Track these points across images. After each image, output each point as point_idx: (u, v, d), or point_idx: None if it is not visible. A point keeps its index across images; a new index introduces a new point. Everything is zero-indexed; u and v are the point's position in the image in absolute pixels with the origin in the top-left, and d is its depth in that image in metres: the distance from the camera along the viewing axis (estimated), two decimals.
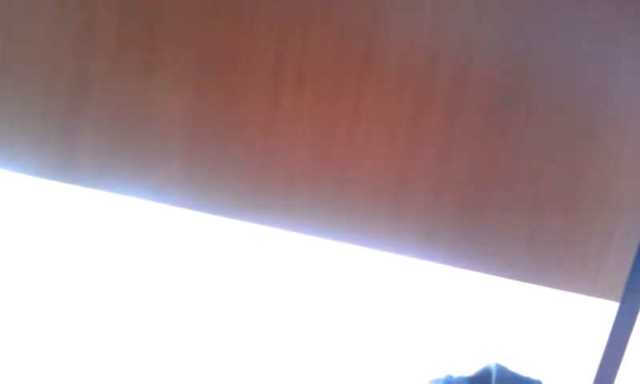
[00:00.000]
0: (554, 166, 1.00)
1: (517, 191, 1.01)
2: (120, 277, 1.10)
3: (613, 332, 1.06)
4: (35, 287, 1.10)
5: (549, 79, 0.96)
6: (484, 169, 1.00)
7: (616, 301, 1.05)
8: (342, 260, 1.08)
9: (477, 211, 1.01)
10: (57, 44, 0.98)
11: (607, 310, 1.08)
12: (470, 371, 0.92)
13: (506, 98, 0.97)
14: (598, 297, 1.05)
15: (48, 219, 1.08)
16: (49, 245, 1.08)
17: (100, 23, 0.97)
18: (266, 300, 1.10)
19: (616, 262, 1.03)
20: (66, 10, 0.97)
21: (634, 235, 1.03)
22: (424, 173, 1.00)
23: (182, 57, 0.97)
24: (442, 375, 0.92)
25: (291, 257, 1.08)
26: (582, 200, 1.01)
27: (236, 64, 0.97)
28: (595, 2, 0.94)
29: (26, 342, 1.09)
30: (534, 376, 0.91)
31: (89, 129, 1.00)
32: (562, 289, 1.05)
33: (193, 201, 1.02)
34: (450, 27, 0.94)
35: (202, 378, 1.11)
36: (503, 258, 1.03)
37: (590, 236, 1.02)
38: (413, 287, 1.09)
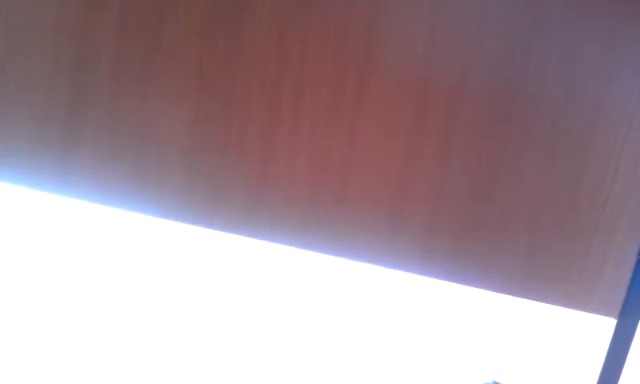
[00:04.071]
0: (551, 185, 1.00)
1: (514, 209, 1.01)
2: (118, 290, 1.09)
3: (611, 348, 1.06)
4: (33, 299, 1.09)
5: (545, 97, 0.97)
6: (482, 187, 1.00)
7: (614, 317, 1.05)
8: (342, 275, 1.08)
9: (475, 228, 1.02)
10: (56, 59, 0.98)
11: (605, 326, 1.08)
12: None
13: (502, 116, 0.98)
14: (595, 313, 1.05)
15: (47, 231, 1.08)
16: (47, 257, 1.08)
17: (99, 39, 0.97)
18: (265, 314, 1.10)
19: (613, 278, 1.04)
20: (65, 26, 0.97)
21: (630, 252, 1.03)
22: (422, 190, 1.00)
23: (181, 73, 0.98)
24: None
25: (290, 271, 1.08)
26: (579, 218, 1.01)
27: (235, 80, 0.98)
28: (592, 18, 0.94)
29: (24, 354, 1.08)
30: None
31: (88, 143, 1.00)
32: (560, 305, 1.05)
33: (191, 216, 1.02)
34: (446, 44, 0.95)
35: None
36: (501, 275, 1.04)
37: (588, 253, 1.03)
38: (412, 303, 1.09)
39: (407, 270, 1.04)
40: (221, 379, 1.10)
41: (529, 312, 1.09)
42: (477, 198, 1.01)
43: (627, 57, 0.96)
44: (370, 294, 1.09)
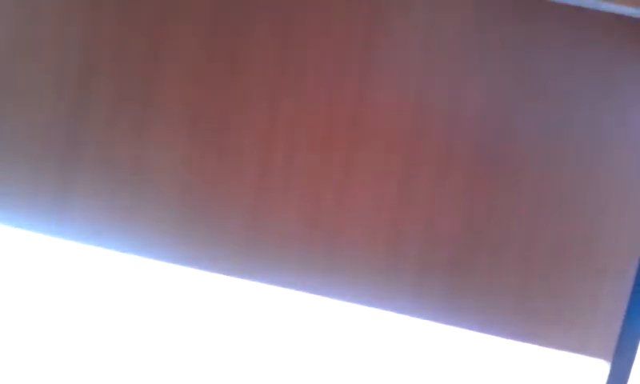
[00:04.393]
0: (541, 227, 1.01)
1: (506, 251, 1.01)
2: (113, 332, 1.09)
3: None
4: (27, 341, 1.09)
5: (535, 140, 0.98)
6: (472, 230, 1.01)
7: (607, 360, 1.05)
8: (333, 316, 1.08)
9: (466, 270, 1.02)
10: (53, 98, 1.00)
11: (598, 369, 1.07)
12: None
13: (492, 158, 0.99)
14: (588, 356, 1.05)
15: (39, 273, 1.08)
16: (40, 298, 1.08)
17: (96, 79, 0.99)
18: (258, 356, 1.09)
19: (605, 320, 1.03)
20: (63, 65, 0.99)
21: (622, 294, 1.03)
22: (413, 232, 1.01)
23: (177, 116, 0.99)
24: None
25: (282, 312, 1.08)
26: (570, 260, 1.02)
27: (229, 125, 0.99)
28: (584, 65, 0.96)
29: None
30: None
31: (82, 185, 1.01)
32: (553, 347, 1.05)
33: (185, 257, 1.03)
34: (437, 89, 0.97)
35: None
36: (493, 317, 1.03)
37: (579, 295, 1.03)
38: (403, 344, 1.09)
39: (400, 311, 1.04)
40: None
41: (522, 354, 1.08)
42: (468, 239, 1.01)
43: (619, 103, 0.97)
44: (363, 335, 1.08)
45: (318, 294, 1.04)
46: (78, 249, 1.06)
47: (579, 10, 0.95)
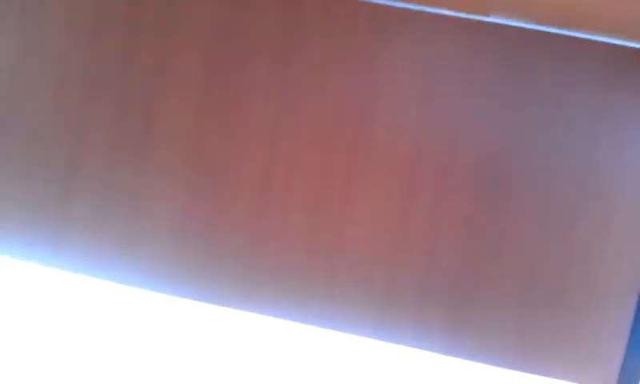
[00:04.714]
0: (539, 258, 1.01)
1: (505, 282, 1.01)
2: (109, 362, 1.08)
3: None
4: (25, 371, 1.07)
5: (534, 172, 0.99)
6: (472, 262, 1.01)
7: None
8: (332, 347, 1.07)
9: (466, 301, 1.01)
10: (53, 136, 1.01)
11: None
12: None
13: (490, 184, 0.99)
14: None
15: (37, 303, 1.07)
16: (38, 328, 1.07)
17: (96, 119, 1.00)
18: None
19: (607, 353, 1.03)
20: (63, 105, 1.00)
21: (623, 325, 1.03)
22: (413, 264, 1.00)
23: (174, 152, 1.00)
24: None
25: (280, 343, 1.07)
26: (569, 292, 1.01)
27: (227, 164, 1.00)
28: (579, 87, 0.98)
29: None
30: None
31: (80, 217, 1.01)
32: (555, 377, 1.04)
33: (184, 288, 1.02)
34: (435, 116, 0.98)
35: None
36: (495, 347, 1.03)
37: (580, 326, 1.02)
38: (403, 375, 1.07)
39: (400, 342, 1.03)
40: None
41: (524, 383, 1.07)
42: (467, 271, 1.01)
43: (612, 129, 0.98)
44: (363, 366, 1.07)
45: (317, 325, 1.03)
46: (76, 279, 1.05)
47: (572, 39, 0.97)
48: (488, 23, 0.97)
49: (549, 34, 0.97)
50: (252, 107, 0.99)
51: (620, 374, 1.04)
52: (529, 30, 0.97)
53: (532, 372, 1.04)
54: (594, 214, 1.00)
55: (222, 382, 1.08)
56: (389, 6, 0.96)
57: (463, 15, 0.97)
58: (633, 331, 1.05)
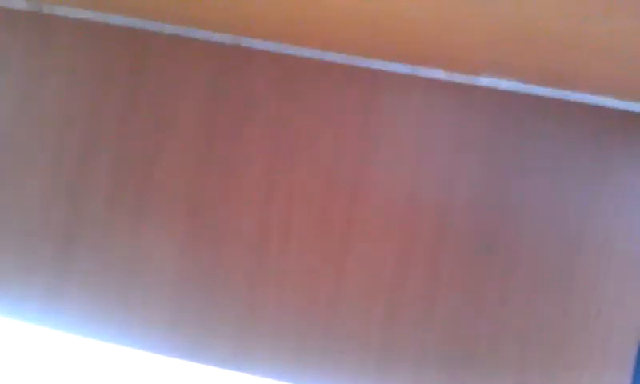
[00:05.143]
0: (537, 319, 1.00)
1: (502, 343, 1.01)
2: None
3: None
4: None
5: (529, 232, 0.99)
6: (469, 320, 1.00)
7: None
8: None
9: (463, 362, 1.01)
10: (49, 196, 1.01)
11: None
12: None
13: (486, 248, 1.00)
14: None
15: (33, 364, 1.06)
16: None
17: (92, 171, 1.01)
18: None
19: None
20: (59, 158, 1.01)
21: (624, 380, 1.02)
22: (409, 325, 1.00)
23: (172, 208, 1.00)
24: None
25: None
26: (568, 349, 1.01)
27: (225, 217, 1.00)
28: (577, 150, 0.99)
29: None
30: None
31: (76, 275, 1.01)
32: None
33: (180, 349, 1.02)
34: (430, 178, 0.99)
35: None
36: None
37: None
38: None
39: None
40: None
41: None
42: (465, 329, 1.00)
43: (609, 187, 0.99)
44: None
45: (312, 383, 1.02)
46: (73, 340, 1.05)
47: (564, 102, 0.99)
48: (479, 85, 0.99)
49: (539, 96, 0.99)
50: (249, 172, 1.00)
51: None
52: (520, 92, 0.99)
53: None
54: (593, 272, 1.00)
55: None
56: (381, 70, 0.99)
57: (455, 77, 0.99)
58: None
